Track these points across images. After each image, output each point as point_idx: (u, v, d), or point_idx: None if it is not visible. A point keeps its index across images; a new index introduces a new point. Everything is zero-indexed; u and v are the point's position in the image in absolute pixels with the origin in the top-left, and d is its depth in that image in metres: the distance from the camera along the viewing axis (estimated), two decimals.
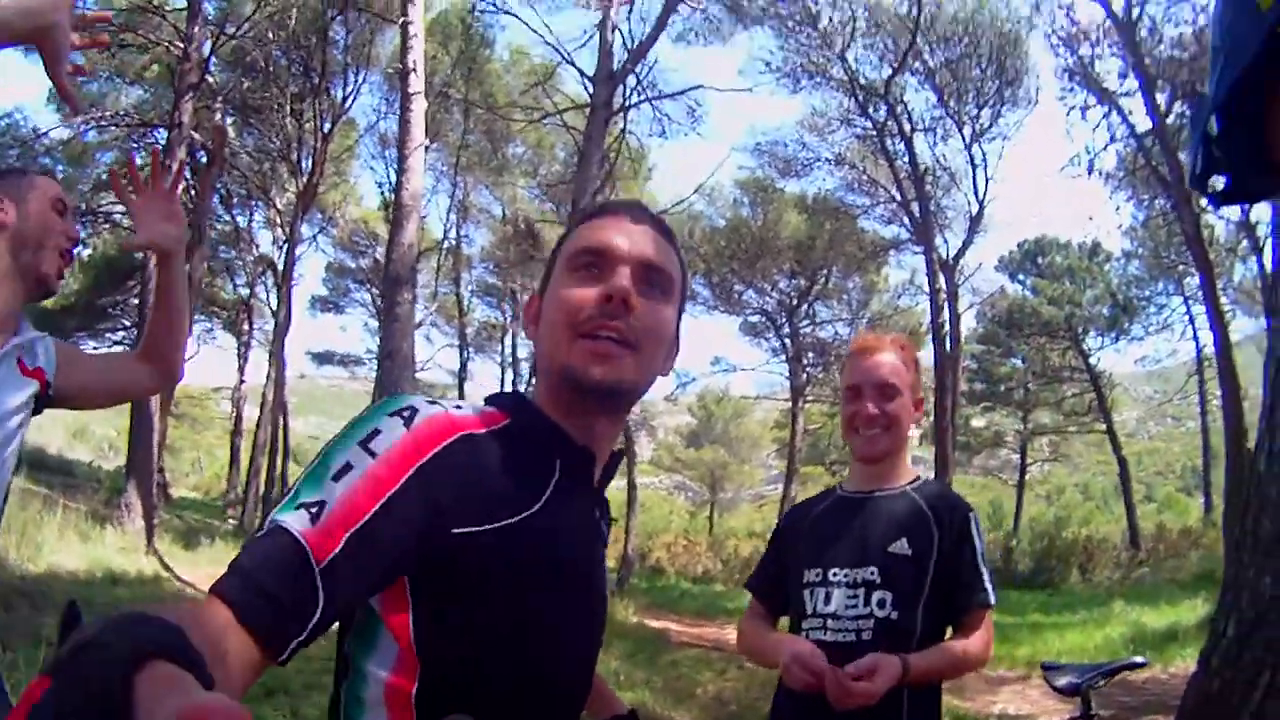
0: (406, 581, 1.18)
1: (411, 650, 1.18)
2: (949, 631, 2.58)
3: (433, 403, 1.27)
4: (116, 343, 32.99)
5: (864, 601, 2.50)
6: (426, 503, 1.15)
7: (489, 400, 1.40)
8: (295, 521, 1.09)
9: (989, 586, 2.54)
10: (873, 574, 2.51)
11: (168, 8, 20.85)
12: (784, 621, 2.82)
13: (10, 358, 2.30)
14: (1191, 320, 30.66)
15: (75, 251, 2.45)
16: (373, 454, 1.15)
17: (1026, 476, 40.39)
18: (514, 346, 38.92)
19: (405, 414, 1.21)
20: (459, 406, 1.30)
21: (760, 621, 2.87)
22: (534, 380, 1.57)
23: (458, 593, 1.19)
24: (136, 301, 22.83)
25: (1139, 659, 4.26)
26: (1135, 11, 18.56)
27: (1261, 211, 19.32)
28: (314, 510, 1.09)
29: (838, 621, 2.51)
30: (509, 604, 1.22)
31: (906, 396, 2.65)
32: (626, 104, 19.80)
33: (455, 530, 1.17)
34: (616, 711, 1.68)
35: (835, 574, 2.56)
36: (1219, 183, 0.89)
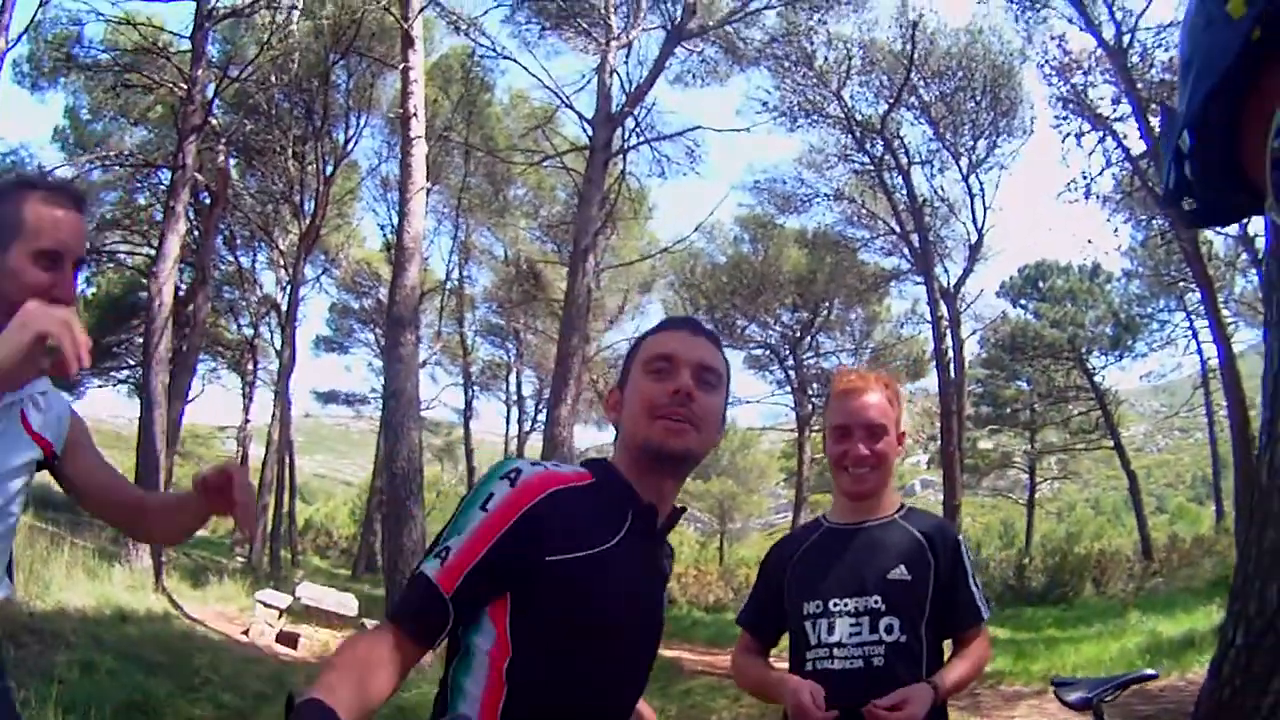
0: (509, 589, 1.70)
1: (506, 635, 1.69)
2: (949, 645, 2.75)
3: (535, 464, 1.81)
4: (121, 381, 33.10)
5: (869, 629, 2.59)
6: (529, 538, 1.67)
7: (584, 464, 1.92)
8: (430, 569, 1.67)
9: (981, 603, 2.71)
10: (876, 602, 2.60)
11: (172, 50, 21.04)
12: (784, 644, 2.92)
13: (12, 411, 2.13)
14: (1195, 334, 30.67)
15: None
16: (486, 510, 1.69)
17: (1036, 495, 40.28)
18: (519, 385, 39.22)
19: (511, 476, 1.74)
20: (558, 466, 1.85)
21: (754, 656, 2.96)
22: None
23: (546, 600, 1.69)
24: (140, 340, 22.90)
25: (1150, 671, 4.27)
26: (1126, 39, 18.76)
27: (1259, 225, 19.50)
28: (442, 557, 1.67)
29: (843, 649, 2.59)
30: (582, 611, 1.71)
31: (892, 434, 2.76)
32: (626, 146, 20.05)
33: (549, 557, 1.68)
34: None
35: (836, 604, 2.64)
36: (1190, 203, 0.89)
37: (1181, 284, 28.02)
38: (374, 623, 13.04)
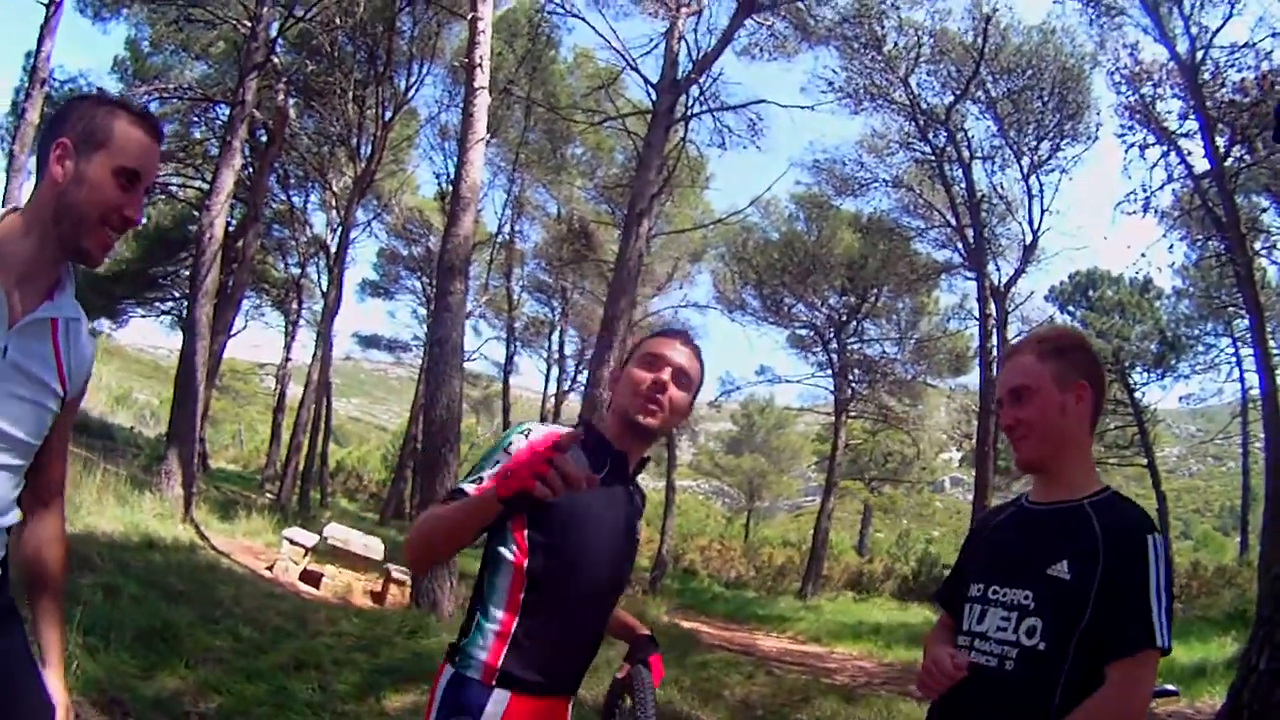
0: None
1: (524, 542, 2.41)
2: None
3: (542, 423, 2.53)
4: (165, 312, 33.52)
5: (1014, 626, 2.33)
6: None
7: (577, 424, 2.58)
8: (469, 485, 2.34)
9: (1158, 624, 2.20)
10: (1027, 598, 2.33)
11: None
12: None
13: (42, 327, 2.07)
14: (1239, 361, 30.27)
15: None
16: (508, 453, 2.41)
17: None
18: (561, 343, 39.29)
19: (525, 431, 2.48)
20: (558, 427, 2.50)
21: (943, 633, 2.65)
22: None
23: (549, 515, 2.37)
24: (188, 273, 23.09)
25: (1170, 687, 4.23)
26: (1199, 55, 18.39)
27: None
28: (476, 480, 2.35)
29: (984, 643, 2.37)
30: (576, 524, 2.43)
31: (1047, 393, 2.46)
32: (688, 113, 19.90)
33: None
34: (639, 634, 2.74)
35: (995, 592, 2.41)
36: None
37: (1231, 309, 27.55)
38: (398, 567, 13.18)
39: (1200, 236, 23.01)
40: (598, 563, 2.50)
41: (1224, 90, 18.48)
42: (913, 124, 25.03)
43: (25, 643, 2.19)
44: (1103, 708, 2.17)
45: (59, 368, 2.11)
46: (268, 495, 25.60)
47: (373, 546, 14.75)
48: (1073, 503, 2.39)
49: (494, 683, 2.35)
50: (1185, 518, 64.99)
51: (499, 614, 2.40)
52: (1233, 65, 18.26)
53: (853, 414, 34.67)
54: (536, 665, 2.38)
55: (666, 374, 2.55)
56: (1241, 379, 30.21)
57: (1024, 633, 2.29)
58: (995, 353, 23.37)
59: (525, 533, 2.41)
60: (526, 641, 2.38)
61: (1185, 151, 20.14)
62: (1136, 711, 2.21)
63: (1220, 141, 18.39)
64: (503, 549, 2.41)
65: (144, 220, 28.85)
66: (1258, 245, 21.73)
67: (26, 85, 16.75)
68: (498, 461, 2.38)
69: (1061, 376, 2.46)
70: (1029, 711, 2.26)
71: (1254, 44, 17.80)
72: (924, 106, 24.40)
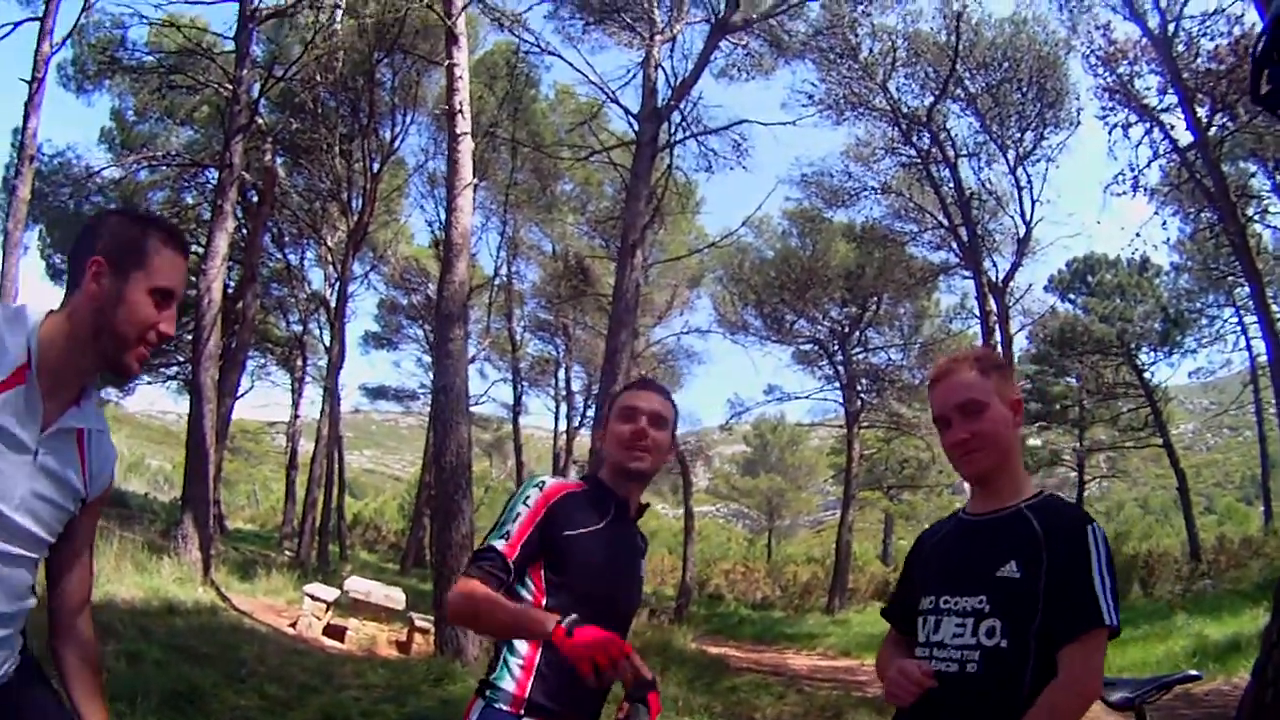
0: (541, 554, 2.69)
1: (541, 583, 2.68)
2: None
3: (554, 477, 2.89)
4: (170, 378, 33.59)
5: (971, 631, 2.42)
6: (551, 522, 2.69)
7: (581, 478, 3.02)
8: (498, 542, 2.63)
9: (1104, 605, 2.33)
10: (981, 602, 2.42)
11: (216, 50, 21.29)
12: None
13: (69, 435, 2.17)
14: (1244, 330, 30.13)
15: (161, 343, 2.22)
16: (527, 506, 2.70)
17: (1085, 494, 39.78)
18: (568, 380, 39.22)
19: (540, 484, 2.78)
20: (568, 479, 2.94)
21: (894, 648, 2.80)
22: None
23: (564, 558, 2.69)
24: (190, 337, 23.20)
25: (1194, 672, 4.21)
26: (1170, 28, 18.47)
27: None
28: (504, 535, 2.64)
29: (943, 650, 2.47)
30: (586, 565, 2.71)
31: (995, 406, 2.57)
32: (672, 140, 19.96)
33: (564, 533, 2.69)
34: (641, 675, 2.53)
35: (946, 601, 2.52)
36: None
37: (1230, 278, 27.46)
38: (422, 616, 13.16)
39: (1192, 209, 23.07)
40: (609, 598, 2.79)
41: (1199, 60, 18.60)
42: (895, 129, 25.11)
43: (51, 690, 2.29)
44: (1060, 693, 2.30)
45: (83, 473, 2.20)
46: (286, 553, 25.58)
47: (395, 597, 14.74)
48: (1011, 509, 2.53)
49: (523, 712, 2.59)
50: (1207, 493, 64.60)
51: (523, 648, 2.65)
52: (1205, 34, 18.40)
53: (865, 424, 34.65)
54: (561, 694, 2.61)
55: (643, 421, 2.89)
56: (1248, 347, 30.16)
57: (983, 634, 2.40)
58: (999, 349, 23.34)
59: (543, 574, 2.71)
60: (549, 672, 2.60)
61: (1168, 126, 20.23)
62: (1093, 690, 2.36)
63: (1201, 112, 18.45)
64: (522, 590, 2.69)
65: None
66: (1250, 211, 21.64)
67: (16, 162, 16.91)
68: (518, 515, 2.70)
69: (1002, 391, 2.61)
70: (999, 707, 2.35)
71: (1224, 10, 17.93)
72: (905, 110, 24.48)
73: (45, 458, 2.08)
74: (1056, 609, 2.34)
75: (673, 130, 19.91)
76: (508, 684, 2.62)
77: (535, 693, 2.60)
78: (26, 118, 16.12)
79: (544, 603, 2.65)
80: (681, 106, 19.65)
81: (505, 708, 2.59)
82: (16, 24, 17.16)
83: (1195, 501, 32.92)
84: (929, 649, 2.51)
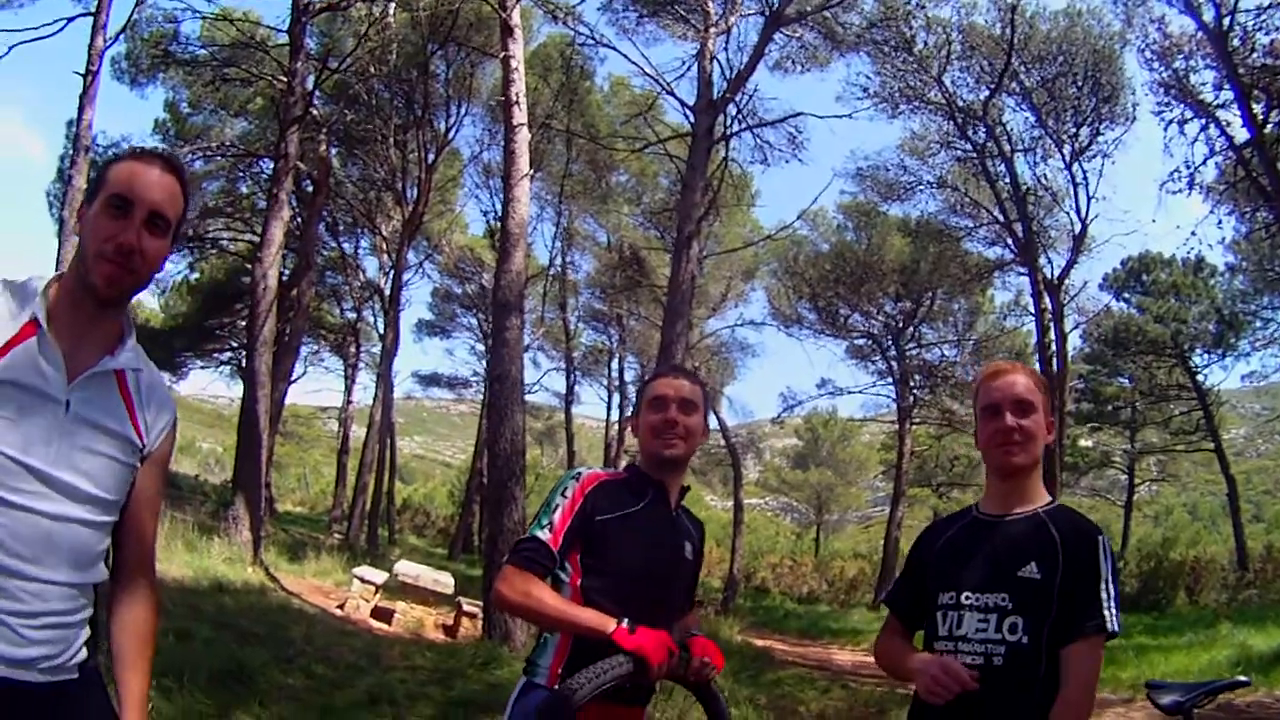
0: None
1: (579, 567, 2.82)
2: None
3: (591, 468, 3.03)
4: (224, 363, 34.10)
5: (995, 627, 2.55)
6: (588, 509, 2.84)
7: (626, 468, 3.10)
8: (541, 532, 2.79)
9: (1107, 612, 2.51)
10: (1004, 600, 2.56)
11: (269, 44, 21.50)
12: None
13: (106, 380, 2.10)
14: None
15: (127, 256, 2.05)
16: (566, 497, 2.85)
17: (1134, 497, 39.38)
18: (620, 370, 39.36)
19: (577, 475, 2.93)
20: (606, 468, 3.08)
21: (897, 638, 2.95)
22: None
23: (600, 540, 2.83)
24: (244, 324, 23.45)
25: (1244, 679, 4.20)
26: (1225, 21, 18.06)
27: None
28: (546, 525, 2.80)
29: (968, 644, 2.57)
30: (621, 544, 2.85)
31: (1041, 415, 2.74)
32: (728, 132, 19.84)
33: (599, 518, 2.83)
34: (691, 631, 2.99)
35: (967, 597, 2.63)
36: None
37: None
38: (470, 601, 13.27)
39: (1248, 209, 22.51)
40: (643, 577, 2.88)
41: (1255, 55, 18.17)
42: (951, 123, 24.82)
43: (110, 707, 2.18)
44: (1077, 692, 2.48)
45: (132, 418, 2.13)
46: (335, 536, 25.87)
47: (443, 581, 14.88)
48: (1030, 513, 2.71)
49: (557, 687, 2.69)
50: (1256, 500, 63.44)
51: None
52: (1260, 29, 17.92)
53: (916, 421, 34.42)
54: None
55: (673, 410, 2.99)
56: None
57: (1006, 630, 2.54)
58: (1054, 347, 23.06)
59: (579, 556, 2.84)
60: (585, 649, 2.66)
61: (1224, 123, 19.74)
62: (1093, 688, 2.56)
63: (1257, 108, 18.02)
64: (560, 572, 2.83)
65: (194, 275, 29.28)
66: None
67: (71, 153, 17.20)
68: (558, 506, 2.84)
69: (1047, 407, 2.81)
70: (1020, 701, 2.50)
71: (1278, 4, 17.53)
72: (960, 104, 24.20)
73: (80, 408, 2.01)
74: (1067, 612, 2.51)
75: (728, 122, 19.81)
76: (545, 660, 2.82)
77: (569, 669, 2.68)
78: (81, 110, 16.38)
79: (580, 583, 2.81)
80: (737, 99, 19.56)
81: (542, 681, 2.78)
82: (70, 19, 17.45)
83: (1244, 509, 32.44)
84: (953, 642, 2.61)
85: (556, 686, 2.69)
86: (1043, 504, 2.71)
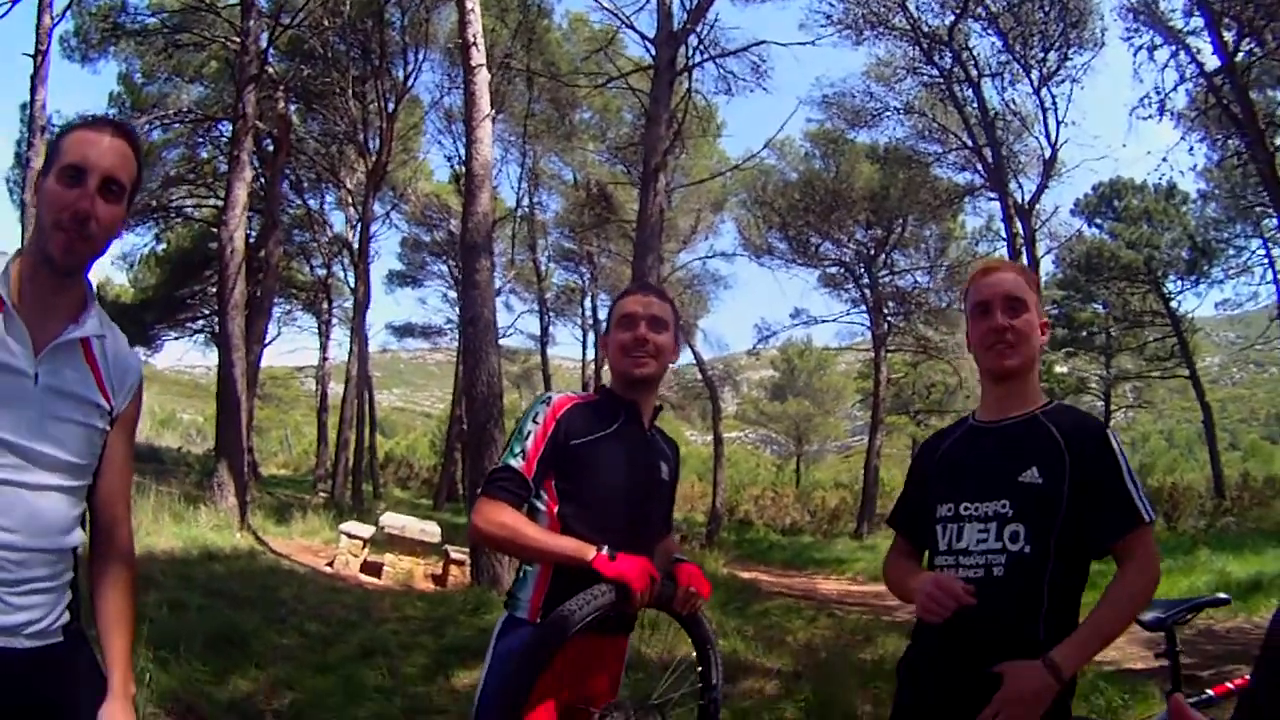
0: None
1: (554, 493, 2.79)
2: (1090, 569, 2.51)
3: (560, 392, 2.98)
4: (197, 331, 33.86)
5: (995, 535, 2.46)
6: (560, 433, 2.78)
7: (597, 389, 3.06)
8: (514, 461, 2.75)
9: (1140, 504, 2.43)
10: (1004, 506, 2.47)
11: (220, 5, 21.12)
12: None
13: (72, 349, 2.14)
14: (1271, 263, 29.63)
15: (83, 224, 2.07)
16: (536, 423, 2.79)
17: (1111, 423, 39.78)
18: (594, 309, 39.21)
19: (546, 400, 2.88)
20: (576, 392, 3.06)
21: (904, 558, 2.88)
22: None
23: (575, 464, 2.78)
24: (215, 290, 23.25)
25: (1223, 596, 4.26)
26: None
27: None
28: (518, 453, 2.76)
29: (969, 557, 2.50)
30: (597, 468, 2.81)
31: (1033, 314, 2.65)
32: (690, 64, 19.63)
33: (572, 442, 2.78)
34: (677, 558, 2.98)
35: (966, 508, 2.54)
36: None
37: (1259, 208, 26.87)
38: (457, 548, 13.29)
39: (1219, 136, 22.49)
40: (620, 500, 2.83)
41: None
42: (916, 48, 24.71)
43: (97, 666, 2.23)
44: (1134, 576, 2.41)
45: (99, 383, 2.18)
46: (321, 495, 25.87)
47: (430, 531, 14.85)
48: (1028, 414, 2.61)
49: (539, 619, 2.68)
50: (1231, 428, 64.47)
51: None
52: None
53: (891, 348, 34.52)
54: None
55: (642, 327, 2.92)
56: (1275, 280, 29.70)
57: (1008, 539, 2.45)
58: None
59: (554, 482, 2.79)
60: (565, 581, 2.65)
61: (1194, 50, 19.74)
62: (1158, 571, 2.47)
63: (1229, 36, 17.97)
64: (536, 501, 2.79)
65: (161, 246, 28.97)
66: (1279, 141, 21.22)
67: (28, 135, 16.97)
68: (530, 433, 2.78)
69: (1038, 307, 2.70)
70: (1021, 612, 2.41)
71: None
72: (925, 29, 24.06)
73: (48, 379, 2.06)
74: (1090, 513, 2.42)
75: (690, 54, 19.58)
76: (526, 593, 2.79)
77: (550, 601, 2.67)
78: (34, 91, 16.22)
79: (556, 510, 2.77)
80: (698, 29, 19.31)
81: (524, 616, 2.75)
82: (15, 0, 17.09)
83: (1220, 437, 32.77)
84: (953, 556, 2.54)
85: (538, 620, 2.68)
86: (1039, 405, 2.63)
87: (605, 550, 2.57)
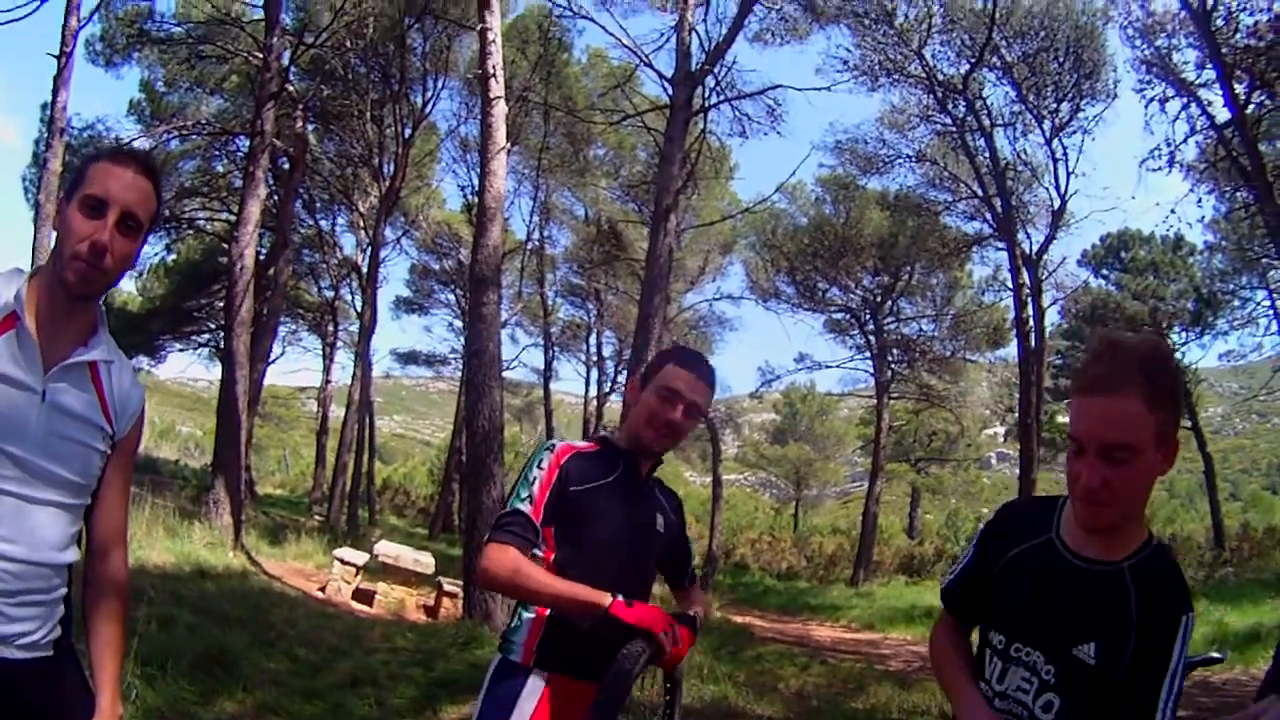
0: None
1: (553, 540, 2.76)
2: None
3: (563, 440, 2.93)
4: (202, 345, 33.89)
5: (1034, 695, 2.18)
6: (562, 479, 2.77)
7: (595, 439, 3.03)
8: (523, 505, 2.72)
9: (1164, 710, 2.03)
10: (1049, 673, 2.16)
11: (245, 20, 21.28)
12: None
13: (81, 370, 2.20)
14: (1276, 314, 29.47)
15: (99, 256, 2.12)
16: (541, 469, 2.79)
17: None
18: (599, 345, 39.27)
19: (550, 447, 2.86)
20: (577, 441, 3.01)
21: (954, 637, 2.53)
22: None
23: (573, 512, 2.77)
24: (222, 305, 23.31)
25: (1217, 655, 4.20)
26: (1209, 1, 18.09)
27: None
28: (525, 498, 2.74)
29: (1004, 701, 2.24)
30: (591, 516, 2.79)
31: (1148, 455, 2.05)
32: (706, 104, 19.73)
33: (572, 489, 2.78)
34: (688, 612, 2.91)
35: (1018, 650, 2.24)
36: None
37: (1265, 260, 26.85)
38: (450, 580, 13.23)
39: (1228, 188, 22.52)
40: (615, 550, 2.83)
41: (1238, 36, 18.13)
42: (931, 96, 24.77)
43: (85, 682, 2.29)
44: None
45: (104, 406, 2.24)
46: (316, 517, 25.80)
47: (424, 561, 14.81)
48: (1113, 567, 2.17)
49: (533, 664, 2.72)
50: (1233, 478, 64.22)
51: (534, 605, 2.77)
52: (1244, 9, 17.89)
53: (894, 395, 34.51)
54: (570, 649, 2.68)
55: (679, 413, 2.89)
56: None
57: (1040, 707, 2.17)
58: (1031, 323, 23.13)
59: (552, 529, 2.77)
60: (559, 627, 2.70)
61: (1205, 102, 19.73)
62: None
63: (1239, 89, 18.02)
64: (535, 549, 2.73)
65: (170, 257, 29.05)
66: None
67: (46, 136, 17.01)
68: (535, 479, 2.78)
69: (1164, 434, 2.07)
70: None
71: None
72: (940, 78, 24.13)
73: (56, 396, 2.13)
74: (1122, 694, 2.08)
75: (707, 94, 19.69)
76: (520, 636, 2.77)
77: (545, 646, 2.72)
78: (56, 92, 16.22)
79: (553, 558, 2.76)
80: (715, 71, 19.43)
81: (517, 660, 2.75)
82: (43, 0, 17.22)
83: (1221, 487, 32.65)
84: (991, 693, 2.29)
85: (532, 664, 2.72)
86: (1132, 549, 2.18)
87: (620, 597, 2.56)
